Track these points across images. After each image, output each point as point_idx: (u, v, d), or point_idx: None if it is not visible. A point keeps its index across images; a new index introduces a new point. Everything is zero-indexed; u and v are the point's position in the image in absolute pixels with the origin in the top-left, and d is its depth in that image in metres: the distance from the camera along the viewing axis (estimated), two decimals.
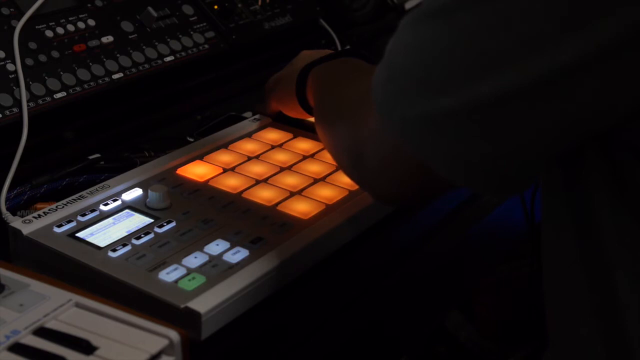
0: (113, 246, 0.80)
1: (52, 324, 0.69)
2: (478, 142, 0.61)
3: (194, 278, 0.76)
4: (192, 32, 1.16)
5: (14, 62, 0.98)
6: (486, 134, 0.60)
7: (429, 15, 0.62)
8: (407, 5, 1.47)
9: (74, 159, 1.00)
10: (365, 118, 0.71)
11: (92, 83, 1.03)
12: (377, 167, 0.72)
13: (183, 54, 1.13)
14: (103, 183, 0.90)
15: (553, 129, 0.59)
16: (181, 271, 0.76)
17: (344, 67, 0.92)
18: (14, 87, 0.96)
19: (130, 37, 1.10)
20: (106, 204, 0.86)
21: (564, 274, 0.69)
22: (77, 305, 0.71)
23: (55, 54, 1.02)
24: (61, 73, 1.01)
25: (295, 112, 1.01)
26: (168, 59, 1.11)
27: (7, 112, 0.95)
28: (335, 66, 0.93)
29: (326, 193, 0.91)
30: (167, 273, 0.76)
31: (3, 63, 0.98)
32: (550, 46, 0.55)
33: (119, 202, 0.87)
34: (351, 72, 0.88)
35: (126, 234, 0.82)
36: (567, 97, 0.57)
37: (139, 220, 0.84)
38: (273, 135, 1.04)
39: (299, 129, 1.06)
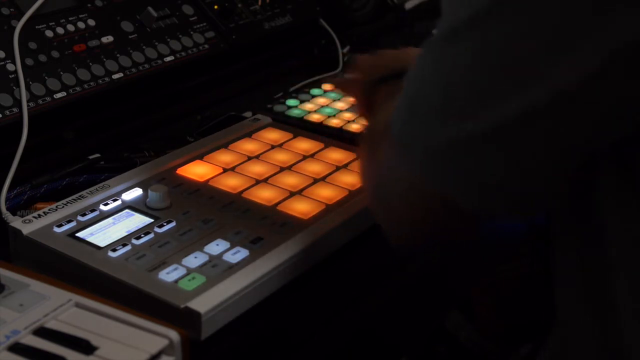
0: (113, 246, 0.80)
1: (52, 324, 0.69)
2: (500, 164, 0.60)
3: (194, 278, 0.76)
4: (192, 32, 1.16)
5: (14, 62, 0.98)
6: (508, 156, 0.60)
7: (439, 41, 0.62)
8: (407, 6, 1.47)
9: (74, 159, 1.00)
10: (384, 151, 0.70)
11: (92, 83, 1.03)
12: (394, 204, 0.70)
13: (183, 54, 1.13)
14: (103, 183, 0.90)
15: (576, 144, 0.59)
16: (181, 271, 0.76)
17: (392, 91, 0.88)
18: (14, 87, 0.96)
19: (130, 37, 1.10)
20: (106, 204, 0.86)
21: (565, 274, 0.69)
22: (77, 305, 0.71)
23: (55, 54, 1.02)
24: (61, 73, 1.01)
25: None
26: (168, 59, 1.11)
27: (7, 112, 0.95)
28: (391, 89, 0.86)
29: (326, 193, 0.91)
30: (167, 273, 0.76)
31: (3, 63, 0.98)
32: (564, 60, 0.55)
33: (119, 202, 0.87)
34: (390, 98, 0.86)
35: (126, 233, 0.82)
36: (587, 110, 0.57)
37: (139, 220, 0.84)
38: (273, 135, 1.04)
39: (299, 129, 1.06)
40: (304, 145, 1.02)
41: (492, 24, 0.58)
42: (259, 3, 1.26)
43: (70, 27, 1.06)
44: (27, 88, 0.97)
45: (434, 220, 0.68)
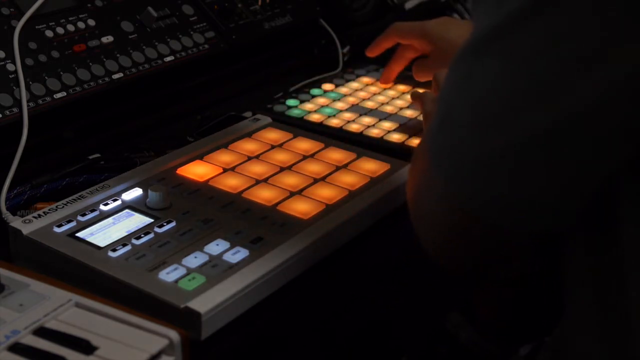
0: (113, 246, 0.80)
1: (52, 324, 0.68)
2: (526, 178, 0.61)
3: (194, 278, 0.76)
4: (192, 32, 1.16)
5: (14, 62, 0.98)
6: (536, 169, 0.60)
7: (467, 55, 0.62)
8: (407, 5, 1.47)
9: (74, 159, 1.00)
10: (422, 161, 0.70)
11: (92, 83, 1.03)
12: (427, 216, 0.71)
13: (183, 54, 1.13)
14: (103, 183, 0.90)
15: (606, 151, 0.59)
16: (181, 271, 0.76)
17: None
18: (14, 87, 0.96)
19: (130, 37, 1.10)
20: (106, 204, 0.86)
21: (574, 275, 0.69)
22: (77, 305, 0.71)
23: (55, 54, 1.02)
24: (61, 73, 1.01)
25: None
26: (168, 59, 1.11)
27: (7, 112, 0.95)
28: None
29: (326, 193, 0.91)
30: (167, 273, 0.76)
31: (3, 63, 0.98)
32: (594, 71, 0.56)
33: (119, 202, 0.87)
34: None
35: (126, 233, 0.82)
36: (616, 120, 0.57)
37: (139, 220, 0.84)
38: (273, 135, 1.04)
39: (299, 129, 1.06)
40: (304, 145, 1.02)
41: (514, 37, 0.58)
42: (259, 3, 1.26)
43: (70, 27, 1.06)
44: (27, 88, 0.97)
45: (465, 237, 0.68)
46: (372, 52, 1.24)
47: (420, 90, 1.17)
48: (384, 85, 1.24)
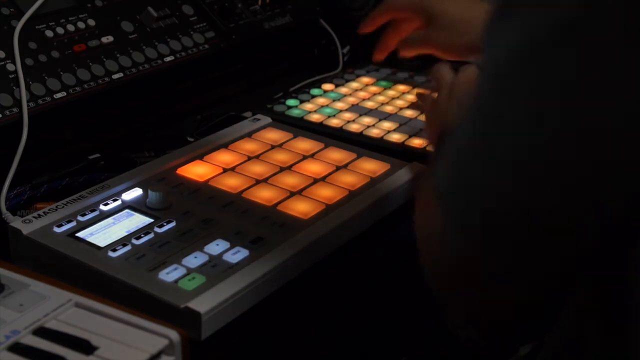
0: (113, 246, 0.80)
1: (52, 324, 0.68)
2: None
3: (194, 278, 0.76)
4: (192, 32, 1.16)
5: (14, 62, 0.98)
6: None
7: (485, 92, 0.60)
8: None
9: (74, 159, 1.00)
10: (431, 203, 0.67)
11: (92, 83, 1.03)
12: (446, 275, 0.69)
13: (183, 54, 1.13)
14: (103, 183, 0.90)
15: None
16: (181, 271, 0.76)
17: None
18: (14, 87, 0.96)
19: (130, 37, 1.10)
20: (106, 204, 0.86)
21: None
22: (77, 305, 0.71)
23: (55, 54, 1.02)
24: (61, 73, 1.01)
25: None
26: (168, 59, 1.11)
27: (7, 112, 0.95)
28: None
29: (326, 193, 0.91)
30: (167, 273, 0.76)
31: (3, 63, 0.98)
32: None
33: (119, 202, 0.87)
34: None
35: (126, 233, 0.82)
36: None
37: (139, 220, 0.84)
38: (273, 135, 1.04)
39: (299, 128, 1.06)
40: (304, 145, 1.02)
41: (525, 69, 0.57)
42: (259, 3, 1.26)
43: (70, 27, 1.06)
44: (27, 88, 0.97)
45: (473, 285, 0.67)
46: (366, 29, 1.16)
47: (421, 90, 1.17)
48: (379, 58, 1.18)
